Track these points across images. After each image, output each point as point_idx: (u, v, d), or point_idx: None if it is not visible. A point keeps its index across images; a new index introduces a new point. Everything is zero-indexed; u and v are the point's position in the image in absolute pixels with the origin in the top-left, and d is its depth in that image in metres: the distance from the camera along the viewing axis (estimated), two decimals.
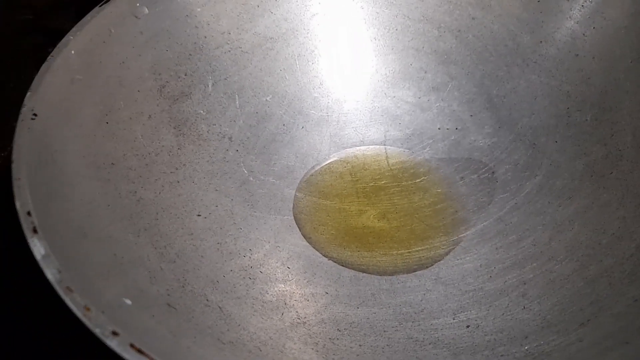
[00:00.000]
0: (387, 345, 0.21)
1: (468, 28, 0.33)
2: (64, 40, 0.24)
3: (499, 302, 0.23)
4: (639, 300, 0.19)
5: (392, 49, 0.34)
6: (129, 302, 0.17)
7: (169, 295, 0.19)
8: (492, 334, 0.21)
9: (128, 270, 0.19)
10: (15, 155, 0.19)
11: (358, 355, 0.20)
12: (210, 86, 0.30)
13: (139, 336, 0.15)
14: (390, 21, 0.34)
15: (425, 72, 0.33)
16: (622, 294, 0.20)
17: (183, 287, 0.21)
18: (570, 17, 0.30)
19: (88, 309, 0.14)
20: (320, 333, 0.21)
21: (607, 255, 0.22)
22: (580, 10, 0.30)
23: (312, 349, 0.20)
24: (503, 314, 0.22)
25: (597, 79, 0.29)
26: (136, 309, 0.17)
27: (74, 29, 0.25)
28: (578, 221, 0.25)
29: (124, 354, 0.13)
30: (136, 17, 0.28)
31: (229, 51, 0.31)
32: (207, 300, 0.21)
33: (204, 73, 0.30)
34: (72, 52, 0.24)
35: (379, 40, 0.34)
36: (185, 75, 0.30)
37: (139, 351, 0.13)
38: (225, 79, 0.31)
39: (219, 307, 0.21)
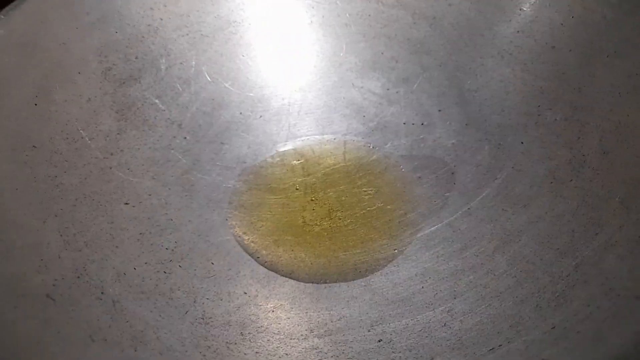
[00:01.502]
0: (286, 354, 0.19)
1: (444, 15, 0.30)
2: None
3: (422, 317, 0.21)
4: (556, 328, 0.17)
5: (364, 36, 0.32)
6: None
7: (54, 285, 0.19)
8: (399, 352, 0.19)
9: (15, 258, 0.19)
10: None
11: None
12: (163, 70, 0.29)
13: None
14: (363, 6, 0.32)
15: (397, 62, 0.31)
16: (544, 319, 0.18)
17: (78, 277, 0.20)
18: (549, 5, 0.27)
19: None
20: (219, 336, 0.20)
21: (545, 272, 0.20)
22: None
23: (200, 352, 0.19)
24: (421, 330, 0.20)
25: (572, 74, 0.26)
26: (2, 297, 0.16)
27: (7, 7, 0.24)
28: (527, 232, 0.23)
29: None
30: None
31: (187, 34, 0.30)
32: (101, 293, 0.20)
33: (157, 56, 0.29)
34: (2, 31, 0.24)
35: (350, 26, 0.32)
36: (136, 58, 0.29)
37: None
38: (181, 63, 0.30)
39: (113, 301, 0.20)
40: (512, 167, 0.26)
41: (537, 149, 0.25)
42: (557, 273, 0.20)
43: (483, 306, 0.20)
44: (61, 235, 0.21)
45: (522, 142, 0.26)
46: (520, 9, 0.28)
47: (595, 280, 0.18)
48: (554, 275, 0.20)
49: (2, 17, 0.24)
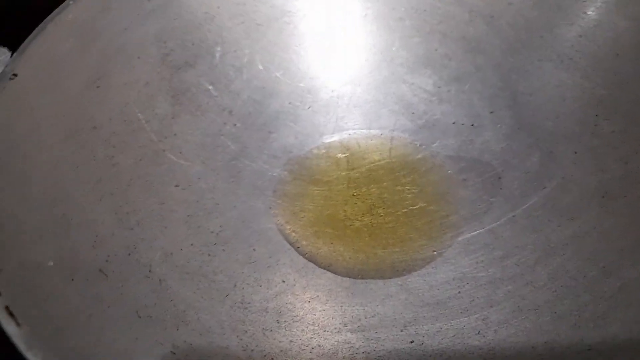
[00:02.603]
0: (319, 345, 0.20)
1: (502, 14, 0.30)
2: (63, 4, 0.25)
3: (456, 322, 0.21)
4: (592, 351, 0.16)
5: (418, 31, 0.31)
6: (51, 263, 0.17)
7: (107, 261, 0.20)
8: (431, 355, 0.19)
9: (72, 233, 0.20)
10: None
11: (282, 350, 0.19)
12: (217, 57, 0.30)
13: (33, 299, 0.15)
14: (418, 1, 0.31)
15: (450, 60, 0.31)
16: (581, 339, 0.17)
17: (129, 255, 0.21)
18: (615, 10, 0.26)
19: None
20: (256, 321, 0.21)
21: (587, 290, 0.20)
22: (627, 3, 0.25)
23: (237, 336, 0.20)
24: (454, 336, 0.20)
25: (635, 85, 0.25)
26: (57, 271, 0.17)
27: None
28: (572, 246, 0.22)
29: None
30: None
31: (243, 22, 0.31)
32: (149, 271, 0.21)
33: (213, 44, 0.30)
34: (70, 16, 0.25)
35: (405, 20, 0.32)
36: (193, 44, 0.30)
37: (10, 314, 0.14)
38: (235, 51, 0.31)
39: (160, 279, 0.21)
40: (562, 177, 0.25)
41: (590, 160, 0.25)
42: (600, 292, 0.19)
43: (519, 318, 0.20)
44: (115, 214, 0.22)
45: (575, 152, 0.25)
46: (584, 13, 0.27)
47: (638, 304, 0.17)
48: (596, 294, 0.19)
49: (71, 2, 0.25)
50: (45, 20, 0.24)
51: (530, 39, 0.29)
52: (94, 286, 0.18)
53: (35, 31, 0.24)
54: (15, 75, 0.22)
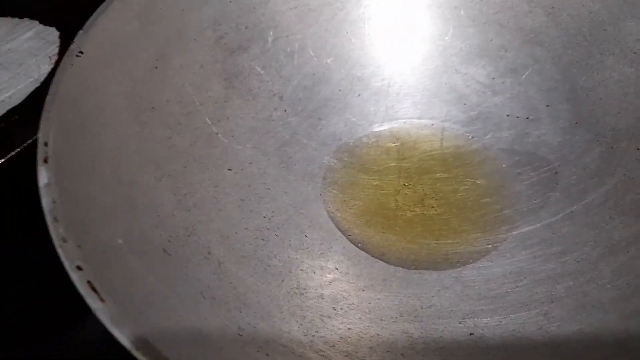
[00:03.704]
0: (377, 334, 0.20)
1: (563, 5, 0.29)
2: None
3: (515, 316, 0.21)
4: None
5: (474, 20, 0.31)
6: (120, 241, 0.17)
7: (169, 241, 0.20)
8: (493, 349, 0.19)
9: (137, 212, 0.20)
10: (51, 89, 0.20)
11: (341, 338, 0.19)
12: (270, 42, 0.30)
13: (110, 275, 0.15)
14: None
15: (506, 51, 0.30)
16: None
17: (189, 236, 0.21)
18: None
19: (65, 241, 0.15)
20: (313, 307, 0.21)
21: None
22: None
23: (297, 321, 0.20)
24: (514, 330, 0.20)
25: None
26: (126, 249, 0.17)
27: None
28: (637, 245, 0.21)
29: (80, 290, 0.14)
30: None
31: (296, 7, 0.31)
32: (209, 253, 0.21)
33: (266, 28, 0.30)
34: None
35: (460, 9, 0.31)
36: (246, 28, 0.29)
37: (93, 289, 0.14)
38: (287, 36, 0.30)
39: (219, 261, 0.21)
40: (624, 174, 0.24)
41: None
42: None
43: (584, 314, 0.19)
44: (174, 195, 0.22)
45: (638, 149, 0.25)
46: None
47: None
48: None
49: None
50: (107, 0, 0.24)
51: (592, 31, 0.28)
52: (161, 265, 0.18)
53: (99, 10, 0.24)
54: (82, 52, 0.22)
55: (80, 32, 0.23)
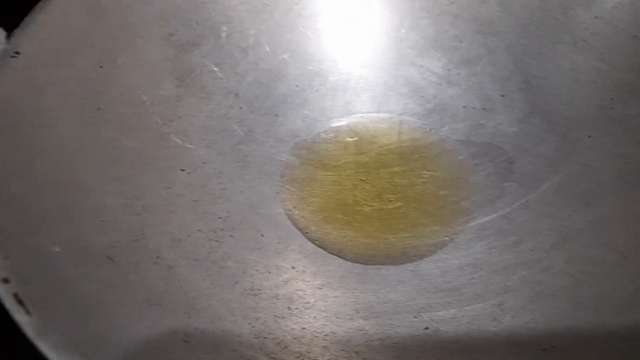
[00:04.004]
0: (332, 332, 0.20)
1: None
2: None
3: (470, 308, 0.21)
4: (617, 336, 0.16)
5: (428, 12, 0.30)
6: (57, 249, 0.17)
7: (114, 247, 0.19)
8: (448, 342, 0.19)
9: (78, 218, 0.19)
10: None
11: (295, 338, 0.19)
12: (223, 37, 0.29)
13: (41, 287, 0.15)
14: None
15: (460, 42, 0.30)
16: (603, 325, 0.17)
17: (136, 241, 0.21)
18: None
19: None
20: (267, 308, 0.20)
21: (607, 275, 0.19)
22: None
23: (249, 323, 0.19)
24: (469, 322, 0.20)
25: None
26: (63, 257, 0.17)
27: None
28: (589, 232, 0.22)
29: (5, 303, 0.13)
30: None
31: (249, 2, 0.30)
32: (158, 257, 0.20)
33: (218, 23, 0.29)
34: None
35: (414, 2, 0.31)
36: (197, 24, 0.29)
37: (19, 302, 0.13)
38: (241, 31, 0.30)
39: (169, 266, 0.20)
40: (577, 162, 0.25)
41: (605, 145, 0.24)
42: (619, 278, 0.19)
43: (537, 304, 0.20)
44: (121, 198, 0.22)
45: (589, 136, 0.25)
46: None
47: None
48: (616, 279, 0.19)
49: None
50: None
51: (544, 20, 0.28)
52: (103, 272, 0.18)
53: (38, 6, 0.23)
54: (17, 53, 0.21)
55: (17, 30, 0.22)
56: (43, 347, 0.12)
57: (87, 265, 0.17)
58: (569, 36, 0.27)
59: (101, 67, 0.25)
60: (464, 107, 0.29)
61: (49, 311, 0.14)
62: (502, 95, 0.28)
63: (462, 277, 0.22)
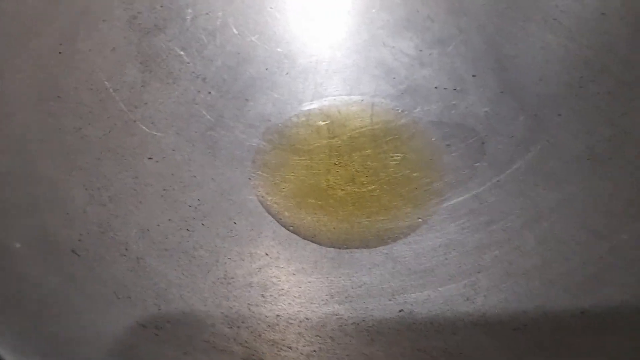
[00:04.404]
0: (306, 318, 0.19)
1: None
2: None
3: (444, 289, 0.21)
4: (586, 314, 0.16)
5: None
6: (17, 245, 0.16)
7: (79, 241, 0.19)
8: (420, 323, 0.19)
9: (41, 211, 0.19)
10: None
11: (269, 326, 0.19)
12: (188, 20, 0.28)
13: (2, 285, 0.14)
14: None
15: (432, 22, 0.30)
16: (574, 302, 0.17)
17: (103, 233, 0.20)
18: None
19: None
20: (240, 297, 0.20)
21: (577, 254, 0.19)
22: None
23: (222, 313, 0.19)
24: (443, 303, 0.20)
25: (622, 46, 0.24)
26: (26, 253, 0.16)
27: None
28: (560, 211, 0.22)
29: None
30: None
31: None
32: (126, 249, 0.20)
33: (183, 5, 0.28)
34: None
35: None
36: (161, 6, 0.28)
37: None
38: (207, 13, 0.29)
39: (137, 257, 0.20)
40: (548, 141, 0.25)
41: (575, 123, 0.24)
42: (590, 256, 0.19)
43: (508, 283, 0.20)
44: (86, 189, 0.21)
45: (559, 115, 0.25)
46: None
47: (631, 267, 0.17)
48: (586, 257, 0.19)
49: None
50: None
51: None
52: (68, 267, 0.17)
53: None
54: None
55: None
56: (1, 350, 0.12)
57: (51, 261, 0.17)
58: (540, 15, 0.27)
59: (60, 52, 0.24)
60: (436, 88, 0.29)
61: (8, 312, 0.13)
62: (474, 76, 0.28)
63: (435, 259, 0.22)
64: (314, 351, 0.18)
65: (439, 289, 0.21)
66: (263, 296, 0.21)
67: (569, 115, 0.25)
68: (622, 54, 0.24)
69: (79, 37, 0.24)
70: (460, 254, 0.22)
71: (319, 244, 0.24)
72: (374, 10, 0.30)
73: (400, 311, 0.20)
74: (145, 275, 0.19)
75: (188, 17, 0.28)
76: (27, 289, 0.15)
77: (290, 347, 0.18)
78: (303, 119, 0.29)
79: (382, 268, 0.22)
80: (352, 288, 0.21)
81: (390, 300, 0.21)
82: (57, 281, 0.16)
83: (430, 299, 0.20)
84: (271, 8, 0.30)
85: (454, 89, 0.28)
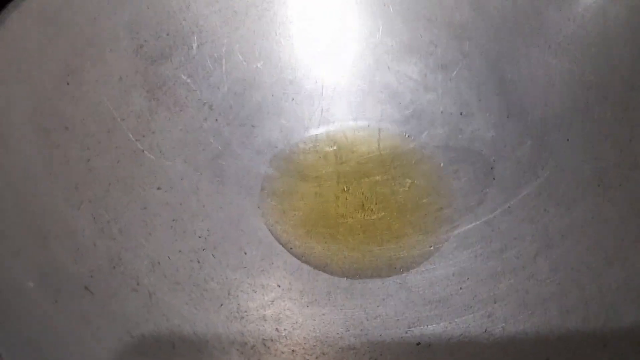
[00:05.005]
0: (322, 353, 0.19)
1: None
2: None
3: (460, 320, 0.20)
4: (608, 346, 0.16)
5: (402, 17, 0.30)
6: (31, 284, 0.16)
7: (91, 276, 0.18)
8: (440, 357, 0.19)
9: (51, 246, 0.18)
10: None
11: None
12: (194, 48, 0.28)
13: (15, 327, 0.14)
14: None
15: (436, 47, 0.30)
16: (593, 335, 0.17)
17: (114, 267, 0.20)
18: None
19: None
20: (255, 331, 0.20)
21: (593, 282, 0.19)
22: None
23: (237, 350, 0.18)
24: (461, 335, 0.20)
25: (626, 70, 0.24)
26: (38, 291, 0.16)
27: None
28: (571, 236, 0.22)
29: None
30: None
31: (220, 11, 0.29)
32: (137, 284, 0.20)
33: (189, 33, 0.28)
34: (33, 5, 0.23)
35: (388, 6, 0.30)
36: (167, 35, 0.28)
37: None
38: (213, 41, 0.29)
39: (149, 292, 0.19)
40: (556, 166, 0.25)
41: (583, 147, 0.24)
42: (606, 284, 0.19)
43: (526, 313, 0.20)
44: (96, 223, 0.21)
45: (567, 140, 0.25)
46: None
47: None
48: (602, 286, 0.19)
49: None
50: (4, 10, 0.22)
51: (517, 24, 0.28)
52: (80, 306, 0.17)
53: None
54: None
55: None
56: None
57: (65, 299, 0.16)
58: (542, 39, 0.27)
59: (67, 83, 0.23)
60: (441, 112, 0.29)
61: (20, 355, 0.13)
62: (479, 100, 0.28)
63: (450, 288, 0.22)
64: None
65: (456, 320, 0.21)
66: (277, 330, 0.20)
67: (577, 140, 0.25)
68: (626, 79, 0.24)
69: (85, 68, 0.24)
70: (475, 283, 0.22)
71: (331, 273, 0.24)
72: (378, 36, 0.30)
73: (417, 344, 0.20)
74: (157, 311, 0.19)
75: (194, 44, 0.28)
76: (40, 330, 0.15)
77: None
78: (310, 145, 0.29)
79: (397, 298, 0.22)
80: (367, 320, 0.21)
81: (406, 332, 0.20)
82: (71, 321, 0.16)
83: (448, 330, 0.20)
84: (276, 34, 0.30)
85: (460, 113, 0.29)
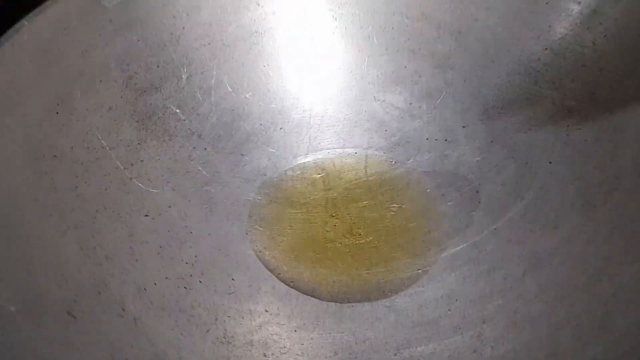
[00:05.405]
0: None
1: (469, 29, 0.30)
2: (17, 25, 0.23)
3: (450, 341, 0.20)
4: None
5: (387, 49, 0.31)
6: (12, 308, 0.15)
7: (75, 301, 0.18)
8: None
9: (35, 272, 0.18)
10: None
11: None
12: (184, 80, 0.29)
13: None
14: (386, 19, 0.31)
15: (420, 76, 0.31)
16: (582, 349, 0.17)
17: (99, 293, 0.19)
18: (580, 23, 0.27)
19: None
20: (242, 357, 0.19)
21: (580, 299, 0.19)
22: (591, 16, 0.26)
23: None
24: (449, 356, 0.19)
25: (603, 94, 0.25)
26: (20, 316, 0.15)
27: (31, 14, 0.24)
28: (558, 256, 0.22)
29: None
30: (105, 5, 0.27)
31: (209, 44, 0.30)
32: (122, 310, 0.19)
33: (179, 65, 0.29)
34: (25, 38, 0.23)
35: (373, 39, 0.31)
36: (157, 66, 0.28)
37: None
38: (202, 72, 0.30)
39: (134, 318, 0.19)
40: (540, 188, 0.25)
41: (566, 169, 0.25)
42: (594, 301, 0.19)
43: (515, 332, 0.19)
44: (81, 249, 0.21)
45: (550, 162, 0.26)
46: (550, 26, 0.28)
47: (636, 311, 0.17)
48: (590, 302, 0.19)
49: (26, 23, 0.23)
50: None
51: (497, 53, 0.29)
52: (63, 331, 0.16)
53: None
54: None
55: None
56: None
57: (47, 324, 0.16)
58: (522, 67, 0.28)
59: (57, 112, 0.24)
60: (427, 139, 0.29)
61: None
62: (464, 126, 0.29)
63: (439, 310, 0.22)
64: None
65: (445, 341, 0.20)
66: (265, 355, 0.20)
67: (559, 162, 0.25)
68: (603, 102, 0.25)
69: (75, 97, 0.25)
70: (463, 304, 0.22)
71: (320, 298, 0.23)
72: (363, 67, 0.31)
73: None
74: (142, 336, 0.19)
75: (183, 76, 0.29)
76: (22, 354, 0.15)
77: None
78: (298, 172, 0.29)
79: (385, 321, 0.22)
80: (356, 343, 0.21)
81: (395, 355, 0.20)
82: (53, 347, 0.15)
83: (437, 352, 0.20)
84: (264, 66, 0.31)
85: (445, 140, 0.29)
